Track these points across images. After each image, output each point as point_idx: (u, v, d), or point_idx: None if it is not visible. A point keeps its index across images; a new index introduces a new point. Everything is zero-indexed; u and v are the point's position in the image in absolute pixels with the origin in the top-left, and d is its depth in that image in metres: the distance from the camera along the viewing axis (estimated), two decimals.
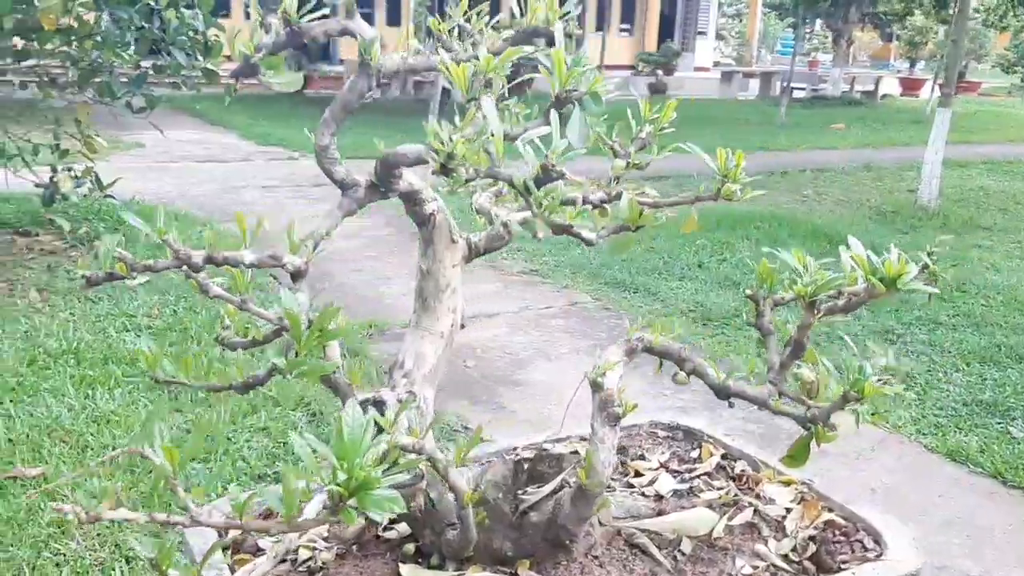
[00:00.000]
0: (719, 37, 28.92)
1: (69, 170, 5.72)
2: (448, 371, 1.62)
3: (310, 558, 1.58)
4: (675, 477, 1.88)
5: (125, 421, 3.32)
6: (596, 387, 1.52)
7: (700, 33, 25.36)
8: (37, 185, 5.79)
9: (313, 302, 1.32)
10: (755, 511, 1.72)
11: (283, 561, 1.58)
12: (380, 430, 1.26)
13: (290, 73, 1.43)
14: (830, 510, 1.74)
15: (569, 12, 1.48)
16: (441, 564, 1.57)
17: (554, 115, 1.21)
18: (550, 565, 1.57)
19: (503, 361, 4.28)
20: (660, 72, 20.61)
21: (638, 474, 1.91)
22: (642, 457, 2.00)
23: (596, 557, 1.60)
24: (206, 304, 5.06)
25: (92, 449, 3.18)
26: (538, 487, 1.60)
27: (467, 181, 1.18)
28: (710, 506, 1.73)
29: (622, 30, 25.36)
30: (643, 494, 1.82)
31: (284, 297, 1.23)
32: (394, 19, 25.72)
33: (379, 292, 5.60)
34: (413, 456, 1.41)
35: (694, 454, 2.00)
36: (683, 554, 1.63)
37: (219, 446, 3.10)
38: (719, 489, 1.82)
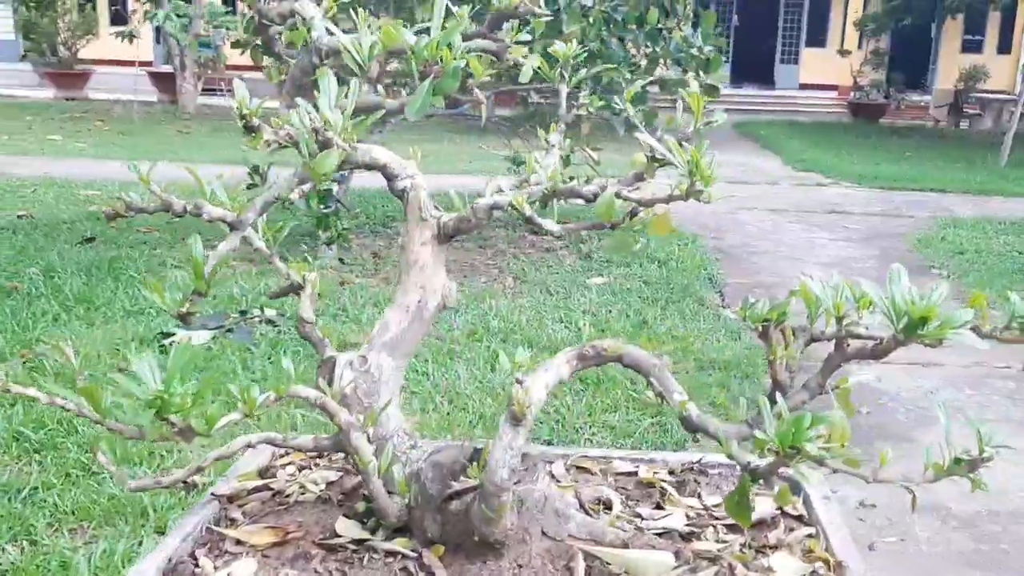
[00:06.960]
0: None
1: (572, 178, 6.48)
2: None
3: (291, 494, 1.75)
4: (689, 521, 1.65)
5: (506, 396, 3.80)
6: (517, 382, 1.45)
7: None
8: None
9: None
10: (722, 572, 1.45)
11: (269, 490, 1.77)
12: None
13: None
14: None
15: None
16: (377, 528, 1.62)
17: (330, 80, 1.21)
18: (467, 560, 1.53)
19: (908, 415, 3.79)
20: None
21: (660, 508, 1.72)
22: (696, 495, 1.78)
23: (520, 567, 1.51)
24: (642, 309, 5.42)
25: (460, 411, 3.66)
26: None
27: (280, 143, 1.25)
28: (677, 554, 1.50)
29: None
30: (638, 528, 1.63)
31: (192, 243, 1.42)
32: (1005, 46, 23.97)
33: None
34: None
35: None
36: None
37: None
38: (722, 543, 1.56)
